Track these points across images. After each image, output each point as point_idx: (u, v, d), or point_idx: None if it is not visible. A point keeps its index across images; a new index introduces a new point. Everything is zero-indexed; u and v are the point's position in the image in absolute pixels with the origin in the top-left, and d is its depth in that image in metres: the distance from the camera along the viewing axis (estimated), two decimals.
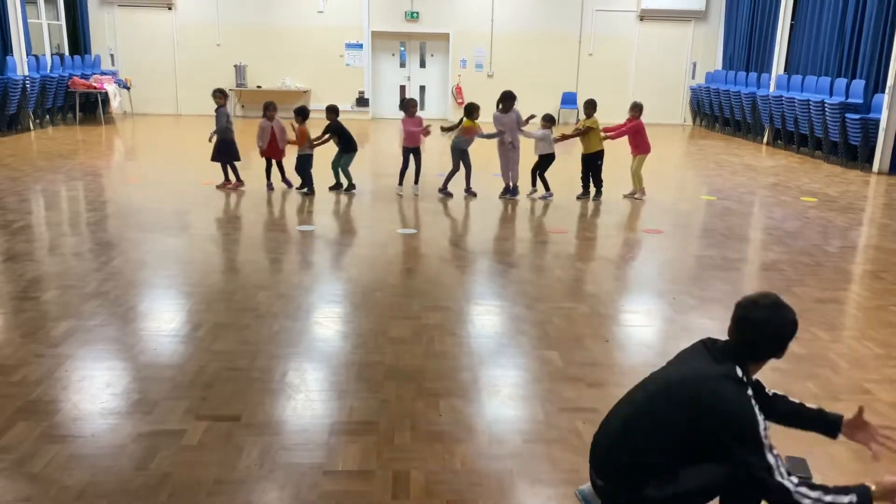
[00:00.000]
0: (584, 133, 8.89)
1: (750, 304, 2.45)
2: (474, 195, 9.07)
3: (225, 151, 9.12)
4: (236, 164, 9.21)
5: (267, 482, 2.99)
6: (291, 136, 9.04)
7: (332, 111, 8.99)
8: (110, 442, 3.25)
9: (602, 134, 9.01)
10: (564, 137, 9.02)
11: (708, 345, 2.55)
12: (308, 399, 3.72)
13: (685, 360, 2.58)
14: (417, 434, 3.39)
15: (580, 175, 9.14)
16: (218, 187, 9.12)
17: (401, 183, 9.19)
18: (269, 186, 9.12)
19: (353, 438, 3.34)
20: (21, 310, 4.87)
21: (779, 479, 2.26)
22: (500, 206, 8.70)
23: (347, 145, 9.06)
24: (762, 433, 2.29)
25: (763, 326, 2.39)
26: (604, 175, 9.07)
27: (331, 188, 9.16)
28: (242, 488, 2.94)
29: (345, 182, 9.16)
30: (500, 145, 8.95)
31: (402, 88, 18.50)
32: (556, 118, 9.49)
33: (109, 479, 2.97)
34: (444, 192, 9.06)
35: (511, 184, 9.01)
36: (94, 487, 2.91)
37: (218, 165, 9.18)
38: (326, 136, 9.01)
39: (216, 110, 9.15)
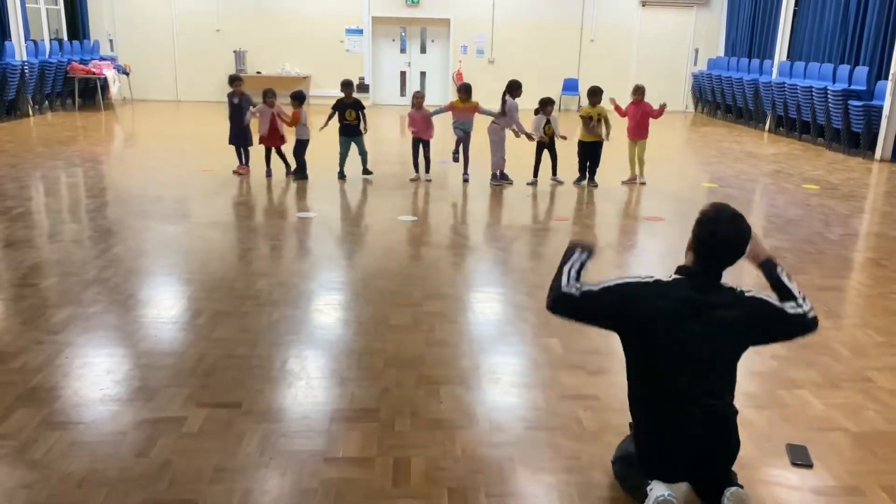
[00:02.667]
0: (601, 122, 8.88)
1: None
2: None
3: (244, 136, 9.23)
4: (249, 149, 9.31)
5: (267, 469, 2.99)
6: (287, 117, 9.02)
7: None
8: (111, 429, 3.25)
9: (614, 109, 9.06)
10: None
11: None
12: (308, 386, 3.71)
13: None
14: (418, 421, 3.39)
15: (577, 161, 9.10)
16: (234, 172, 9.15)
17: (417, 171, 9.21)
18: (268, 173, 9.11)
19: (353, 426, 3.34)
20: (21, 297, 4.87)
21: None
22: (501, 193, 8.67)
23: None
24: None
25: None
26: (603, 161, 9.03)
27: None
28: (243, 476, 2.94)
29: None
30: (499, 131, 8.90)
31: (403, 74, 18.43)
32: (558, 104, 9.42)
33: (110, 466, 2.98)
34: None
35: (499, 171, 8.99)
36: (95, 475, 2.92)
37: (222, 152, 9.17)
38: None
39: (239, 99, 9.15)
